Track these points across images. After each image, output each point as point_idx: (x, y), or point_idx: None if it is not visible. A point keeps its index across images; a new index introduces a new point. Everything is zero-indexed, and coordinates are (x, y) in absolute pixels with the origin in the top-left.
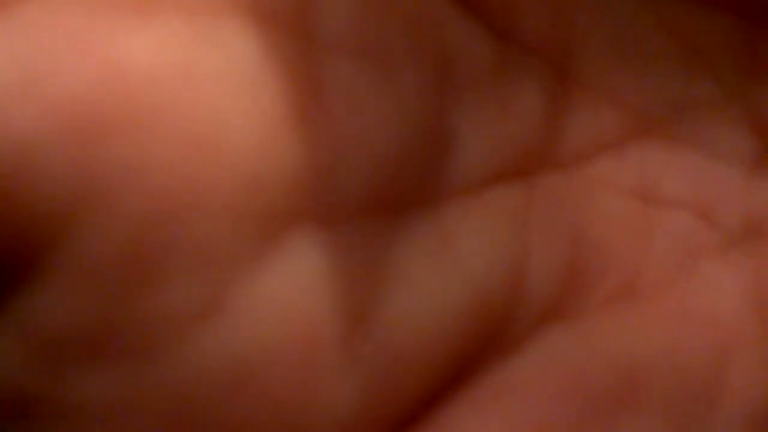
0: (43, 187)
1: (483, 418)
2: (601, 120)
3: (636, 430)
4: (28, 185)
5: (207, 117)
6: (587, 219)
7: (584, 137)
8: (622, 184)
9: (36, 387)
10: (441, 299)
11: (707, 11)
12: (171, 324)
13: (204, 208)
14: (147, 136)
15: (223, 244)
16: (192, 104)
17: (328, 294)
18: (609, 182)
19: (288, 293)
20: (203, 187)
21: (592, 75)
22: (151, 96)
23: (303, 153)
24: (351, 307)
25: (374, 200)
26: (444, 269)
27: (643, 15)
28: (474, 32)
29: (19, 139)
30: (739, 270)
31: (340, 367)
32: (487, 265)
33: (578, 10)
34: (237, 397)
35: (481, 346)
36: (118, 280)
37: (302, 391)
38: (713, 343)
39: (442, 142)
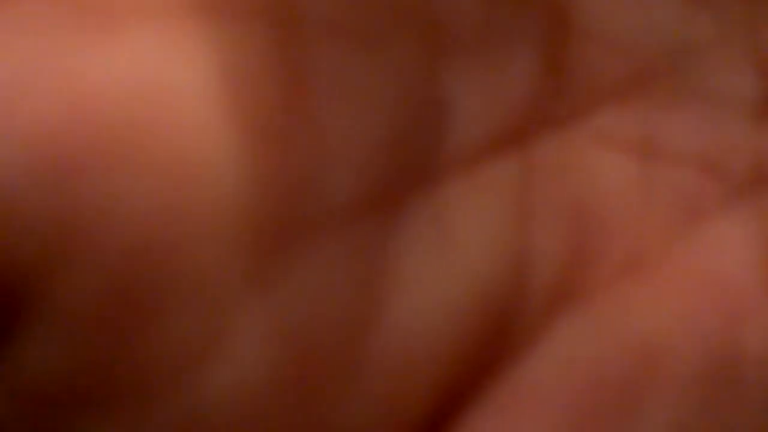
0: (20, 232)
1: (504, 422)
2: (601, 70)
3: (661, 411)
4: (3, 228)
5: (186, 137)
6: (587, 185)
7: (584, 90)
8: (624, 140)
9: None
10: (444, 296)
11: None
12: (169, 364)
13: (192, 238)
14: (125, 166)
15: (216, 275)
16: (169, 124)
17: (330, 309)
18: (610, 138)
19: (288, 315)
20: (189, 215)
21: (589, 21)
22: (125, 120)
23: (288, 162)
24: (354, 316)
25: (367, 196)
26: (444, 263)
27: None
28: None
29: None
30: (747, 223)
31: (350, 381)
32: (489, 255)
33: None
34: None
35: (491, 340)
36: (109, 323)
37: (315, 412)
38: (725, 305)
39: (436, 115)
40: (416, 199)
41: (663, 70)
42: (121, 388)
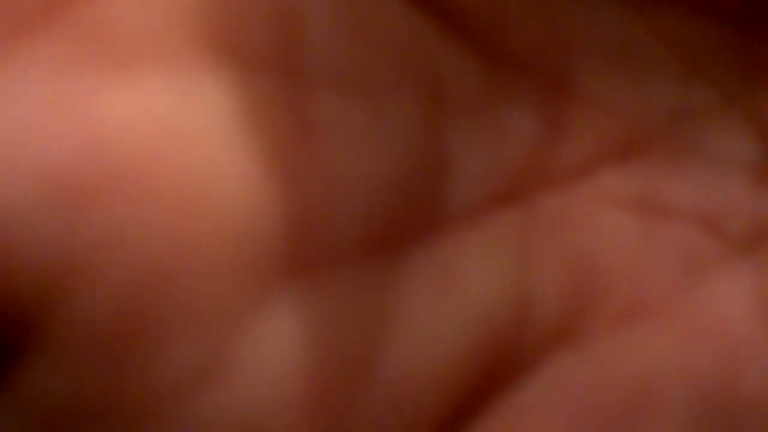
0: (29, 257)
1: None
2: (600, 133)
3: None
4: (12, 256)
5: (193, 175)
6: (589, 238)
7: (583, 151)
8: (624, 198)
9: None
10: (447, 335)
11: (699, 17)
12: (170, 390)
13: (195, 269)
14: (133, 199)
15: (217, 304)
16: (177, 163)
17: (329, 344)
18: (610, 196)
19: (287, 347)
20: (193, 247)
21: (588, 88)
22: (135, 157)
23: (294, 201)
24: (352, 354)
25: (372, 238)
26: (448, 303)
27: (636, 24)
28: (463, 54)
29: (1, 208)
30: (745, 279)
31: (347, 418)
32: (492, 295)
33: (570, 23)
34: None
35: (491, 377)
36: (114, 348)
37: None
38: (723, 354)
39: (437, 170)
40: (420, 244)
41: (662, 132)
42: (124, 410)
